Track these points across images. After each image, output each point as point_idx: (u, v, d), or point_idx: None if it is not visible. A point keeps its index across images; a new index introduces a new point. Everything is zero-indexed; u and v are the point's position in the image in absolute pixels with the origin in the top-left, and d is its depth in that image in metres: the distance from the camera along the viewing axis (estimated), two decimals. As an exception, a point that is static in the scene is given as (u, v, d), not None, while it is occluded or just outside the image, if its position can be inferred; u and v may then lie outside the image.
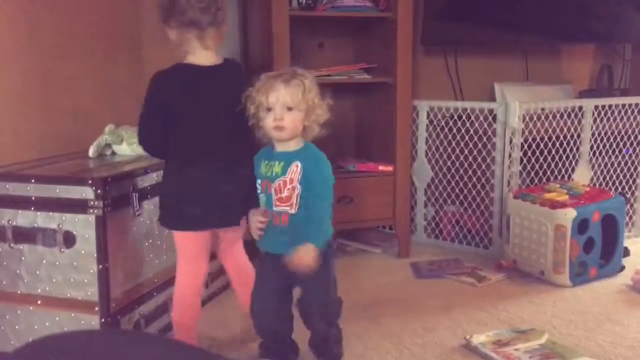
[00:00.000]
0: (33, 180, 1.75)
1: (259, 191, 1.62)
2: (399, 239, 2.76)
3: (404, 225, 2.74)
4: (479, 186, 2.82)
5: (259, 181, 1.62)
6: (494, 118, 2.73)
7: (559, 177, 2.85)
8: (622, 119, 2.94)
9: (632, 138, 3.01)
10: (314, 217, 1.59)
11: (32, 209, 1.74)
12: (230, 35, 2.54)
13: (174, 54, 1.67)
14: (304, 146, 1.63)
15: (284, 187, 1.59)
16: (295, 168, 1.59)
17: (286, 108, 1.56)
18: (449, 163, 2.90)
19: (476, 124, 2.79)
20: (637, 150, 3.03)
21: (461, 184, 2.87)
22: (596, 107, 2.88)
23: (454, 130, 2.84)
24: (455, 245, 2.90)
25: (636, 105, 2.97)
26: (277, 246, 1.62)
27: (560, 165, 2.86)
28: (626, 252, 2.65)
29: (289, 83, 1.56)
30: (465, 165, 2.84)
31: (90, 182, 1.69)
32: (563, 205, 2.38)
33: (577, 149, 2.88)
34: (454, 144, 2.87)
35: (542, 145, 2.79)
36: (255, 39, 2.70)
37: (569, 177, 2.87)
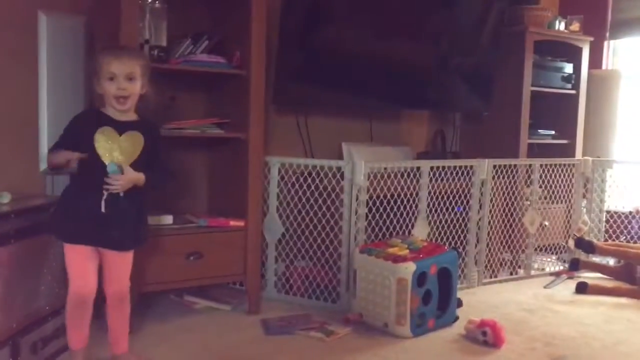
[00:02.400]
0: None
1: None
2: (249, 295, 2.73)
3: (255, 281, 2.72)
4: (327, 241, 2.90)
5: None
6: (342, 176, 2.85)
7: (400, 232, 3.03)
8: (454, 179, 3.22)
9: (463, 197, 3.30)
10: None
11: None
12: (76, 88, 2.44)
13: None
14: None
15: None
16: None
17: None
18: (299, 218, 2.96)
19: (325, 181, 2.90)
20: (467, 208, 3.32)
21: (311, 239, 2.94)
22: (432, 168, 3.13)
23: (304, 186, 2.92)
24: (305, 300, 2.93)
25: (465, 167, 3.27)
26: None
27: (401, 221, 3.04)
28: (459, 303, 2.85)
29: None
30: (315, 220, 2.92)
31: None
32: (404, 259, 2.53)
33: (416, 206, 3.09)
34: (304, 200, 2.94)
35: (385, 202, 2.97)
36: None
37: (409, 232, 3.06)
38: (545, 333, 2.62)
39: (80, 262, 1.95)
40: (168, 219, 2.57)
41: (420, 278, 2.50)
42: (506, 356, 2.36)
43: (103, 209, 1.91)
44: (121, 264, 2.02)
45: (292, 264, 3.01)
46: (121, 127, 1.96)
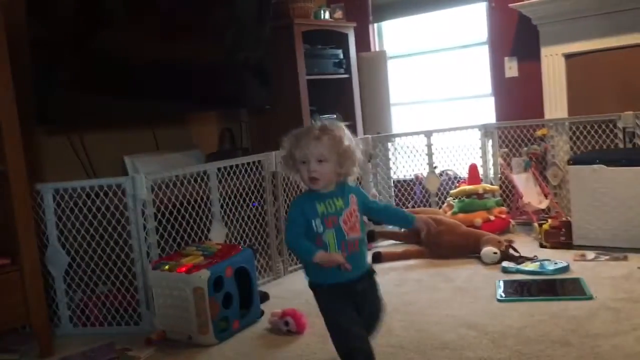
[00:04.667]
0: None
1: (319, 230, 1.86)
2: (38, 338, 2.50)
3: (42, 321, 2.50)
4: (120, 263, 2.76)
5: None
6: (124, 192, 2.71)
7: (197, 239, 2.98)
8: (244, 176, 3.24)
9: (256, 192, 3.33)
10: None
11: None
12: None
13: None
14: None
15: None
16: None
17: None
18: (85, 244, 2.77)
19: (107, 201, 2.73)
20: (262, 202, 3.37)
21: (101, 264, 2.77)
22: (219, 169, 3.11)
23: (85, 209, 2.73)
24: (106, 328, 2.76)
25: (255, 162, 3.30)
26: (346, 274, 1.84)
27: (196, 227, 2.99)
28: (265, 297, 2.90)
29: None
30: (103, 243, 2.75)
31: None
32: (198, 267, 2.49)
33: (210, 210, 3.05)
34: (86, 224, 2.74)
35: (175, 212, 2.89)
36: None
37: (206, 237, 3.02)
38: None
39: None
40: None
41: (216, 283, 2.48)
42: (308, 340, 2.44)
43: None
44: None
45: (86, 294, 2.82)
46: None
